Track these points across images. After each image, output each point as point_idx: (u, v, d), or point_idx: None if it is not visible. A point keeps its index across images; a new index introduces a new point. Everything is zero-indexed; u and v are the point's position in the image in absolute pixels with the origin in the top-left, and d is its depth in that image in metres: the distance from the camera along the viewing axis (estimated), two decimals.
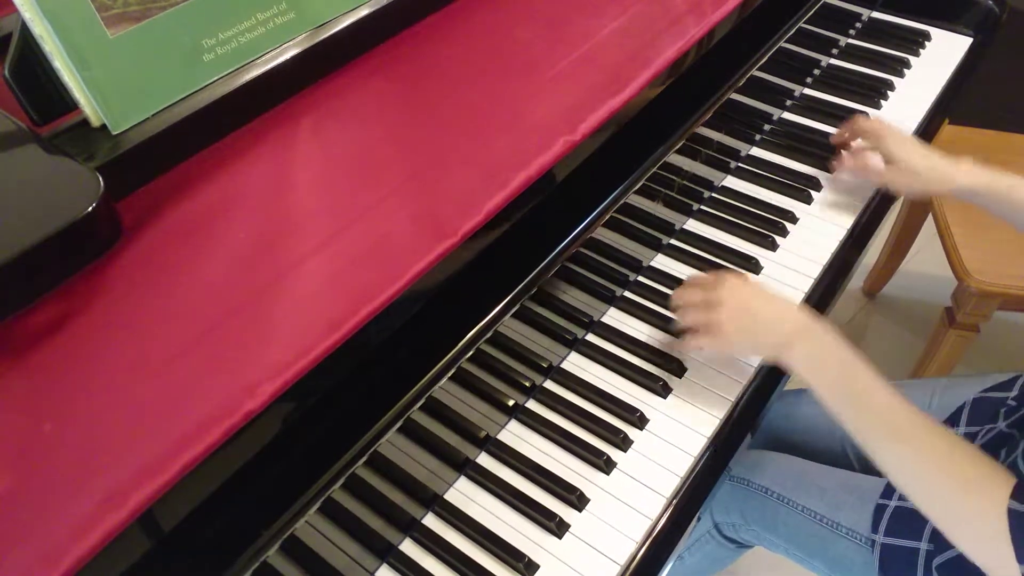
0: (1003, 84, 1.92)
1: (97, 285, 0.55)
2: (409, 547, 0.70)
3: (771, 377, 0.82)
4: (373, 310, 0.54)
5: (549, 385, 0.81)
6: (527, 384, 0.79)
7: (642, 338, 0.84)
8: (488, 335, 0.68)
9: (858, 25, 1.25)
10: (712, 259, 0.93)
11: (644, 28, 0.80)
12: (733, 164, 1.04)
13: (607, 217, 0.77)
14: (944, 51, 1.21)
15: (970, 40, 1.22)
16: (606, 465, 0.74)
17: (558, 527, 0.70)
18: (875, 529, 0.84)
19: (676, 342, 0.82)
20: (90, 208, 0.54)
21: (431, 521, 0.71)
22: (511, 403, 0.77)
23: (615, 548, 0.69)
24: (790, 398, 1.07)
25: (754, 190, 1.01)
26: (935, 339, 1.44)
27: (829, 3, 1.09)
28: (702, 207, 0.99)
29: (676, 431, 0.77)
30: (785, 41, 1.00)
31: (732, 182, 1.03)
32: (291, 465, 0.56)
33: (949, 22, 1.24)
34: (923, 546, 0.79)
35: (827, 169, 1.03)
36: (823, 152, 1.05)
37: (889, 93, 1.14)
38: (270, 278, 0.56)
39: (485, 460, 0.75)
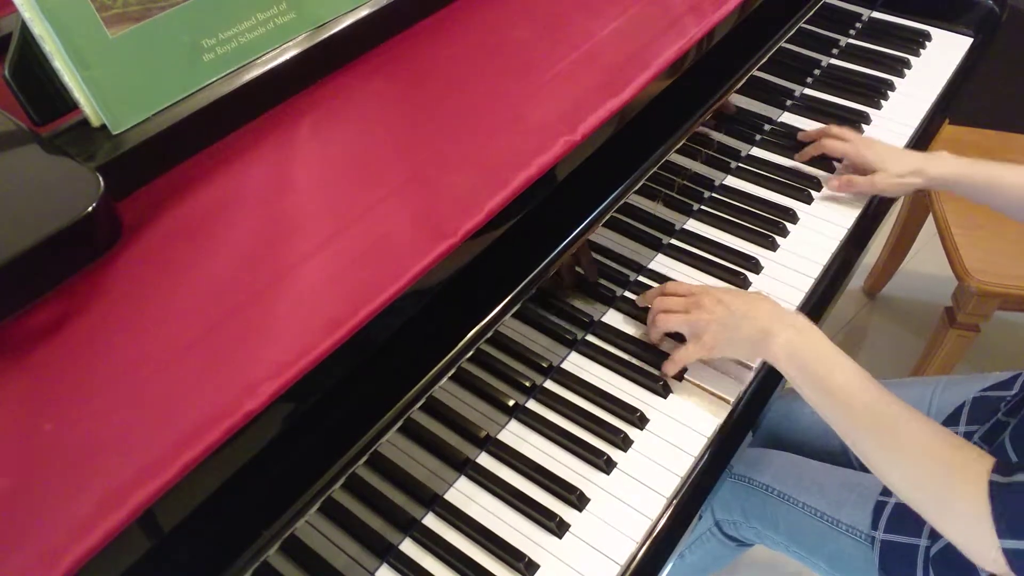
0: (1003, 84, 1.92)
1: (97, 285, 0.55)
2: (409, 547, 0.70)
3: (771, 377, 0.83)
4: (373, 310, 0.55)
5: (549, 385, 0.81)
6: (527, 384, 0.79)
7: (642, 338, 0.84)
8: (488, 335, 0.68)
9: (858, 25, 1.25)
10: (712, 259, 0.92)
11: (644, 28, 0.80)
12: (733, 164, 1.04)
13: (607, 217, 0.77)
14: (944, 51, 1.21)
15: (970, 40, 1.22)
16: (606, 465, 0.74)
17: (558, 527, 0.70)
18: (875, 526, 0.84)
19: (665, 364, 0.80)
20: (90, 208, 0.54)
21: (431, 521, 0.71)
22: (511, 403, 0.77)
23: (615, 548, 0.69)
24: (790, 397, 1.07)
25: (754, 190, 1.01)
26: (935, 339, 1.44)
27: (829, 3, 1.09)
28: (702, 207, 0.99)
29: (676, 431, 0.77)
30: (785, 41, 1.00)
31: (732, 182, 1.03)
32: (291, 465, 0.56)
33: (949, 22, 1.24)
34: (923, 543, 0.79)
35: (829, 169, 1.03)
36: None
37: (889, 93, 1.14)
38: (270, 278, 0.56)
39: (485, 460, 0.75)
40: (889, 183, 0.95)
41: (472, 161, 0.65)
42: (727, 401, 0.79)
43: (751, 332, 0.75)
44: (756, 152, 1.07)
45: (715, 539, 1.05)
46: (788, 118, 1.11)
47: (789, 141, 1.07)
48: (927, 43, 1.22)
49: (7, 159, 0.58)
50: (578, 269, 0.80)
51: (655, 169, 0.82)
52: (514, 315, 0.70)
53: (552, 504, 0.72)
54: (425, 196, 0.63)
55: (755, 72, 0.95)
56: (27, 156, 0.58)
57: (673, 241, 0.95)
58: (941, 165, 0.94)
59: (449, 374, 0.65)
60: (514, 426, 0.78)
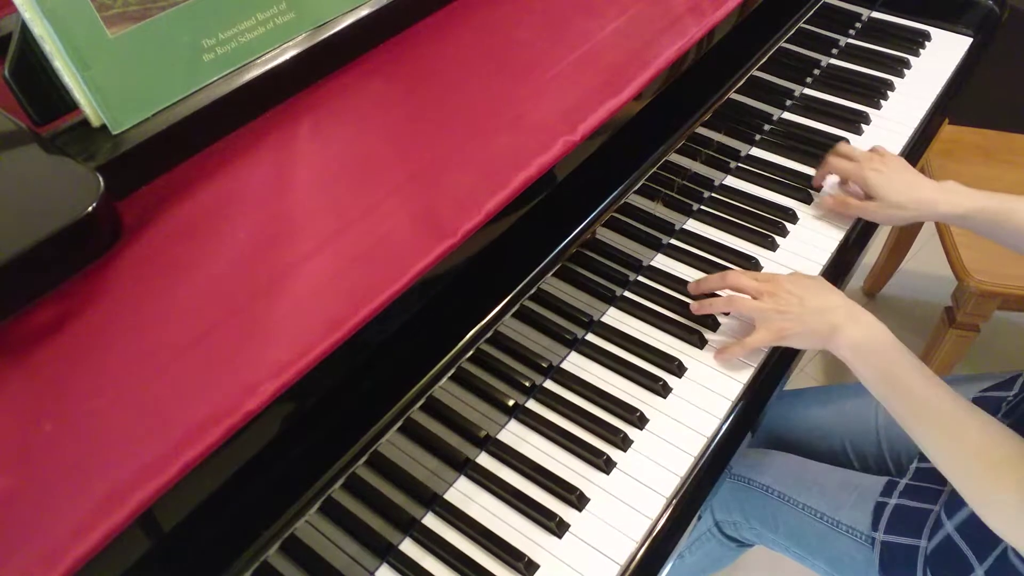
0: (1003, 84, 1.92)
1: (97, 285, 0.55)
2: (409, 547, 0.70)
3: (771, 377, 0.83)
4: (373, 310, 0.55)
5: (549, 385, 0.81)
6: (527, 384, 0.79)
7: (642, 338, 0.84)
8: (488, 335, 0.68)
9: (858, 25, 1.25)
10: (712, 259, 0.93)
11: (644, 28, 0.80)
12: (733, 164, 1.04)
13: (607, 217, 0.77)
14: (944, 51, 1.21)
15: (970, 40, 1.22)
16: (606, 465, 0.74)
17: (558, 527, 0.70)
18: (875, 527, 0.84)
19: (733, 346, 0.81)
20: (90, 208, 0.54)
21: (431, 521, 0.71)
22: (511, 403, 0.77)
23: (615, 548, 0.69)
24: (790, 398, 1.07)
25: (754, 190, 1.01)
26: (935, 339, 1.44)
27: (829, 3, 1.09)
28: (702, 207, 0.99)
29: (676, 431, 0.77)
30: (785, 41, 1.00)
31: (732, 182, 1.03)
32: (291, 465, 0.56)
33: (949, 22, 1.24)
34: (923, 544, 0.79)
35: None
36: (823, 152, 1.05)
37: (889, 93, 1.14)
38: (270, 278, 0.56)
39: (485, 460, 0.75)
40: (882, 214, 0.92)
41: (472, 161, 0.65)
42: (727, 401, 0.79)
43: (821, 326, 0.77)
44: (756, 152, 1.07)
45: (715, 540, 1.05)
46: (788, 118, 1.11)
47: (789, 141, 1.07)
48: (927, 43, 1.22)
49: (7, 159, 0.58)
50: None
51: (655, 169, 0.82)
52: (514, 315, 0.71)
53: (552, 504, 0.72)
54: (425, 196, 0.63)
55: (755, 72, 0.95)
56: (27, 156, 0.58)
57: (673, 241, 0.95)
58: (950, 205, 0.88)
59: (449, 374, 0.65)
60: (514, 426, 0.78)
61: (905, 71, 1.18)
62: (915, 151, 1.08)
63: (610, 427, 0.77)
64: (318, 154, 0.67)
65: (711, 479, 0.75)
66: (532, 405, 0.79)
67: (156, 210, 0.61)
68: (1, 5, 0.66)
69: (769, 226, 0.96)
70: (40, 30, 0.56)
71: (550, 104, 0.71)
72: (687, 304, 0.87)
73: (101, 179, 0.55)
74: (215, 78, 0.65)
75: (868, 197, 0.93)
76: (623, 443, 0.76)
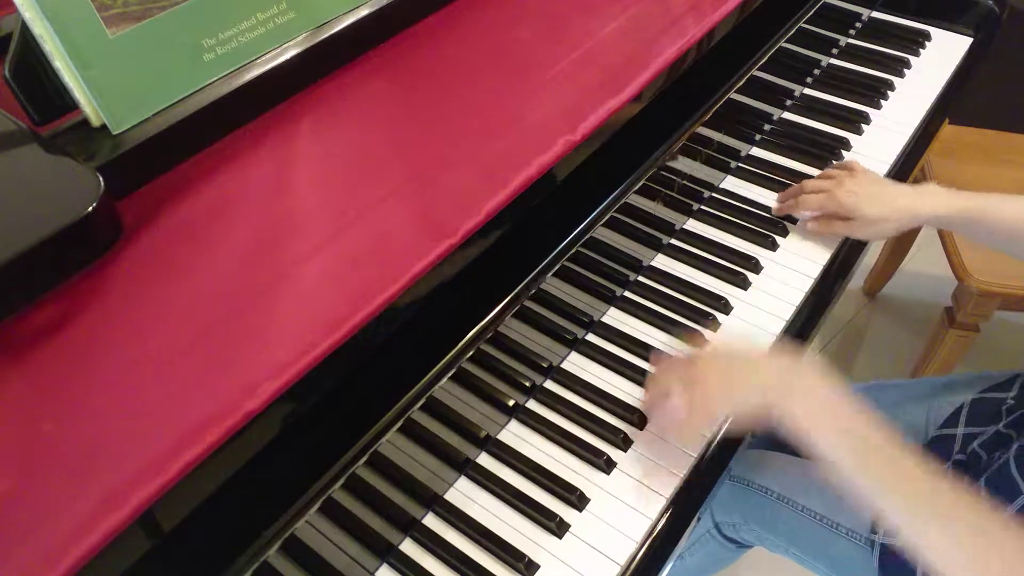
0: (1003, 84, 1.92)
1: (97, 285, 0.55)
2: (409, 547, 0.70)
3: None
4: (373, 310, 0.54)
5: (549, 385, 0.81)
6: (527, 384, 0.79)
7: (642, 338, 0.84)
8: (488, 335, 0.68)
9: (858, 25, 1.25)
10: (712, 259, 0.92)
11: (644, 28, 0.80)
12: (733, 164, 1.04)
13: (607, 217, 0.77)
14: (944, 51, 1.21)
15: (970, 40, 1.22)
16: (606, 465, 0.74)
17: (558, 527, 0.70)
18: (875, 529, 0.84)
19: (676, 434, 0.76)
20: (90, 208, 0.54)
21: (431, 521, 0.71)
22: (511, 403, 0.77)
23: (615, 548, 0.69)
24: None
25: (754, 190, 1.01)
26: (935, 339, 1.44)
27: (829, 3, 1.09)
28: (702, 207, 0.99)
29: None
30: (785, 41, 1.00)
31: (732, 182, 1.02)
32: (291, 465, 0.56)
33: (949, 22, 1.24)
34: None
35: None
36: (823, 152, 1.05)
37: (889, 93, 1.14)
38: (270, 278, 0.56)
39: (485, 460, 0.75)
40: (869, 231, 0.90)
41: (472, 161, 0.65)
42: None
43: (758, 393, 0.70)
44: (756, 152, 1.07)
45: (714, 541, 1.05)
46: (788, 118, 1.11)
47: (789, 141, 1.07)
48: (927, 43, 1.22)
49: (7, 159, 0.58)
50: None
51: (655, 169, 0.82)
52: (514, 315, 0.70)
53: (552, 504, 0.72)
54: (425, 196, 0.63)
55: (755, 72, 0.95)
56: (27, 156, 0.58)
57: (673, 241, 0.95)
58: (930, 207, 0.87)
59: (449, 374, 0.65)
60: (514, 426, 0.78)
61: (905, 71, 1.18)
62: (915, 151, 1.08)
63: (610, 427, 0.77)
64: (318, 154, 0.67)
65: (711, 479, 0.75)
66: (532, 405, 0.79)
67: (156, 210, 0.61)
68: (1, 5, 0.66)
69: (769, 226, 0.96)
70: (40, 30, 0.56)
71: (550, 104, 0.71)
72: (687, 304, 0.87)
73: (101, 179, 0.55)
74: (215, 78, 0.65)
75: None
76: (623, 443, 0.76)
